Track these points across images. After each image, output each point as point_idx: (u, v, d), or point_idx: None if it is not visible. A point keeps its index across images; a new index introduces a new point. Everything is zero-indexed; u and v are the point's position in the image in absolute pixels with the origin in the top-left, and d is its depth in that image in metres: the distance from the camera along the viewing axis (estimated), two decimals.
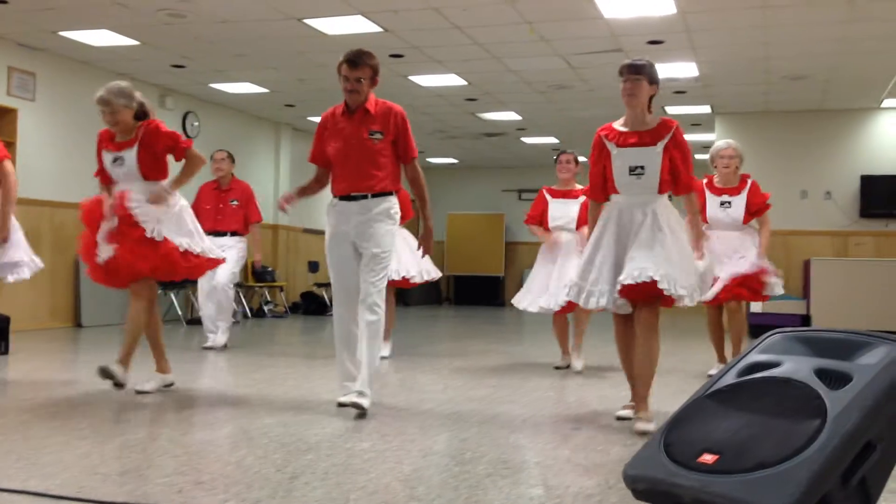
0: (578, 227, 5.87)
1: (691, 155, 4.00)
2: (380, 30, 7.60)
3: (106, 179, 4.62)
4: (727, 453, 1.86)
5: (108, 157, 4.53)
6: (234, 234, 7.14)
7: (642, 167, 3.89)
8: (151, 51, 8.60)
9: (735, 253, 5.62)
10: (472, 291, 16.71)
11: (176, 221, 4.52)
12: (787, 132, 11.05)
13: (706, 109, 11.10)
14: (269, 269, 12.04)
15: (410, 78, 9.48)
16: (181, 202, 4.62)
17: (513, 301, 6.20)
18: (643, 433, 3.75)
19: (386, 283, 4.24)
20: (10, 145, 7.91)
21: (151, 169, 4.50)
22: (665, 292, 3.71)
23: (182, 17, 7.43)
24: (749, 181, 5.76)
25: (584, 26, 7.40)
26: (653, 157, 3.89)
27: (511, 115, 11.79)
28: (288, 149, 12.77)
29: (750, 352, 2.16)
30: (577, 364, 5.95)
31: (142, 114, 4.54)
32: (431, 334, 9.81)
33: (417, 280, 6.66)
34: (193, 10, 7.21)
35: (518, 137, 13.64)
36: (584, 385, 5.29)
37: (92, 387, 4.77)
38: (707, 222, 5.63)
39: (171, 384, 4.78)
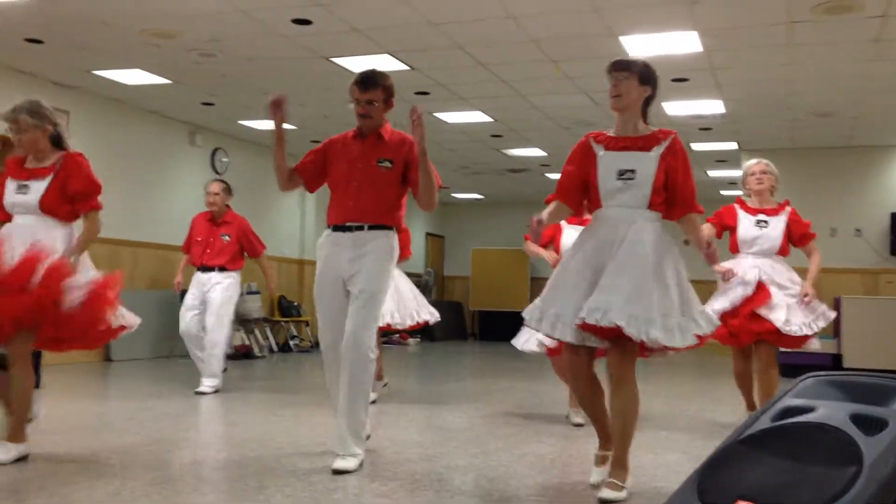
0: None
1: (691, 171, 3.41)
2: (406, 68, 7.69)
3: (3, 215, 3.95)
4: (762, 500, 1.83)
5: (11, 186, 3.89)
6: (221, 269, 6.55)
7: (633, 171, 3.31)
8: (182, 89, 8.75)
9: (770, 285, 4.86)
10: (497, 327, 16.64)
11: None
12: (816, 169, 10.99)
13: (733, 146, 11.08)
14: (295, 303, 12.09)
15: (436, 115, 9.56)
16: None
17: (512, 341, 5.41)
18: (607, 503, 3.18)
19: (377, 326, 3.87)
20: None
21: (57, 207, 3.87)
22: (633, 338, 3.11)
23: (212, 56, 7.57)
24: (788, 207, 5.08)
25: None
26: (647, 162, 3.32)
27: (536, 152, 11.84)
28: None
29: (783, 396, 2.14)
30: (578, 418, 5.20)
31: (57, 139, 3.97)
32: (456, 370, 9.78)
33: (400, 326, 6.12)
34: (223, 49, 7.35)
35: (543, 173, 13.67)
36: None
37: (120, 422, 4.80)
38: (737, 251, 5.04)
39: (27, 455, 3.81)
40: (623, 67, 3.37)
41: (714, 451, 2.09)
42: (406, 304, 6.20)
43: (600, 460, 3.51)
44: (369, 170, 3.86)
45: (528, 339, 5.18)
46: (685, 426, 5.28)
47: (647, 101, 3.44)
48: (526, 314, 3.47)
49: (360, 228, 3.83)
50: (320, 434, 4.60)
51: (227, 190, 6.79)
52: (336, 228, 3.88)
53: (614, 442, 3.32)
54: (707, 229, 4.98)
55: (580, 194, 3.52)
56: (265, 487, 3.32)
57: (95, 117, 9.01)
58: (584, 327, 3.19)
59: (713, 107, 8.97)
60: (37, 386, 6.19)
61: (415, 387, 7.17)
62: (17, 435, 3.73)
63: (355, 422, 3.73)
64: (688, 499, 1.88)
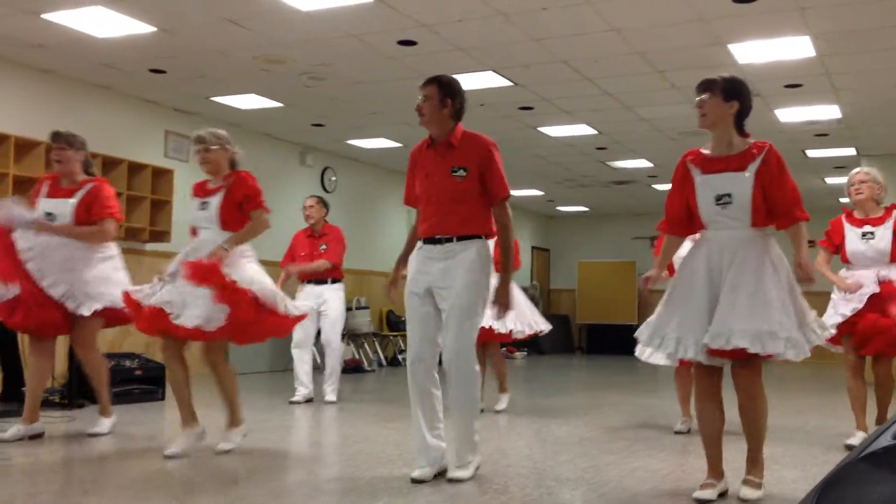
0: None
1: (790, 177, 3.43)
2: (510, 84, 7.75)
3: (193, 233, 4.52)
4: None
5: (195, 203, 4.47)
6: (334, 281, 6.87)
7: (729, 195, 3.37)
8: (293, 111, 9.07)
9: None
10: (604, 340, 16.46)
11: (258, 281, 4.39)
12: None
13: (851, 152, 10.65)
14: (403, 318, 12.27)
15: (540, 129, 9.58)
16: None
17: (637, 353, 5.25)
18: (749, 501, 3.41)
19: (475, 342, 3.75)
20: (167, 203, 8.48)
21: (232, 218, 4.37)
22: (759, 354, 3.26)
23: (322, 80, 7.82)
24: (895, 212, 4.95)
25: (718, 73, 7.26)
26: (742, 184, 3.37)
27: (642, 163, 11.69)
28: None
29: None
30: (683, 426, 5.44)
31: (234, 163, 4.54)
32: (564, 384, 9.72)
33: (521, 335, 6.31)
34: (332, 73, 7.59)
35: (649, 184, 13.48)
36: (725, 440, 5.12)
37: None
38: (848, 261, 5.01)
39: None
40: (705, 88, 3.47)
41: (833, 469, 2.04)
42: (524, 314, 6.37)
43: (707, 486, 3.50)
44: (445, 182, 3.76)
45: (653, 352, 4.96)
46: (803, 442, 5.11)
47: (740, 115, 3.49)
48: (641, 336, 3.57)
49: (450, 240, 3.75)
50: None
51: (322, 203, 7.04)
52: (427, 241, 3.83)
53: (748, 443, 3.50)
54: (821, 257, 5.05)
55: (687, 222, 3.63)
56: (377, 499, 3.41)
57: None
58: (712, 353, 3.34)
59: (828, 112, 8.66)
60: (163, 398, 6.57)
61: (523, 400, 7.17)
62: (235, 420, 4.48)
63: (468, 432, 3.78)
64: None
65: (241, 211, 4.40)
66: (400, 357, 11.82)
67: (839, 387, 8.81)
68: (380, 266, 11.51)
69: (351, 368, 10.24)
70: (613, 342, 16.29)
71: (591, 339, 16.79)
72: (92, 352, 4.84)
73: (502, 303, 3.83)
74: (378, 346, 11.48)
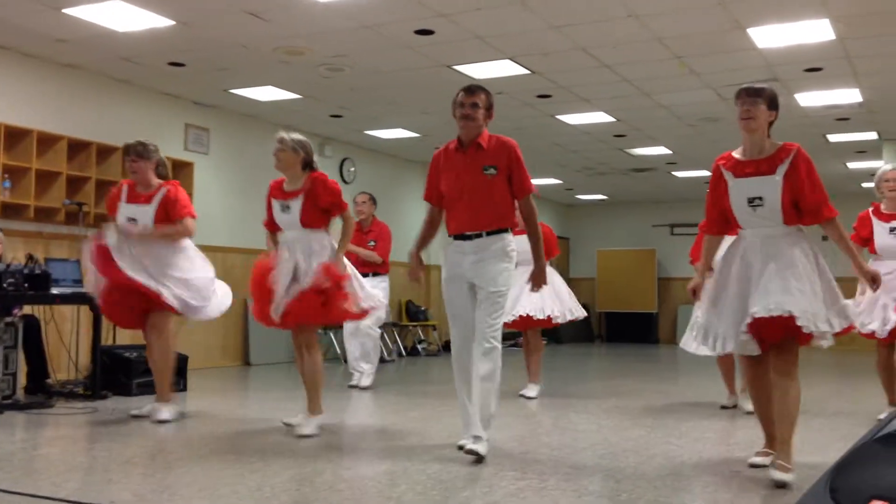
0: None
1: (818, 178, 3.65)
2: (527, 72, 7.73)
3: (273, 227, 4.93)
4: None
5: (276, 205, 4.83)
6: (375, 274, 7.16)
7: (760, 198, 3.63)
8: (312, 103, 9.10)
9: None
10: (624, 328, 16.42)
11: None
12: None
13: (872, 136, 10.54)
14: (422, 308, 12.31)
15: (557, 117, 9.54)
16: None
17: (681, 344, 5.96)
18: (780, 484, 3.46)
19: (502, 322, 4.14)
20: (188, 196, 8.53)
21: (313, 219, 4.75)
22: (804, 330, 3.43)
23: (339, 71, 7.84)
24: None
25: (737, 58, 7.24)
26: (772, 187, 3.62)
27: (661, 150, 11.62)
28: None
29: None
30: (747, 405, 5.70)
31: (308, 165, 4.85)
32: (584, 373, 9.72)
33: (560, 320, 6.68)
34: (349, 63, 7.60)
35: (669, 172, 13.41)
36: (745, 427, 5.11)
37: (261, 422, 5.05)
38: (876, 252, 5.31)
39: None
40: (755, 93, 3.71)
41: (848, 450, 2.04)
42: (563, 301, 6.70)
43: (762, 454, 3.87)
44: (477, 180, 4.10)
45: (699, 345, 5.37)
46: (821, 428, 5.09)
47: (770, 124, 3.78)
48: (702, 341, 3.87)
49: (479, 236, 4.10)
50: (450, 435, 4.69)
51: (373, 200, 7.56)
52: (457, 237, 4.17)
53: (779, 427, 3.65)
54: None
55: (725, 222, 3.87)
56: (396, 486, 3.44)
57: (232, 133, 9.50)
58: (754, 325, 3.49)
59: (849, 96, 8.57)
60: (184, 389, 6.64)
61: (542, 388, 7.17)
62: (315, 408, 4.79)
63: (486, 411, 4.03)
64: (819, 497, 1.84)
65: (322, 212, 4.76)
66: (419, 347, 11.86)
67: (859, 372, 8.75)
68: (399, 256, 11.52)
69: None
70: (633, 330, 16.26)
71: (610, 327, 16.75)
72: (162, 338, 5.27)
73: (538, 283, 4.25)
74: (397, 336, 11.52)
